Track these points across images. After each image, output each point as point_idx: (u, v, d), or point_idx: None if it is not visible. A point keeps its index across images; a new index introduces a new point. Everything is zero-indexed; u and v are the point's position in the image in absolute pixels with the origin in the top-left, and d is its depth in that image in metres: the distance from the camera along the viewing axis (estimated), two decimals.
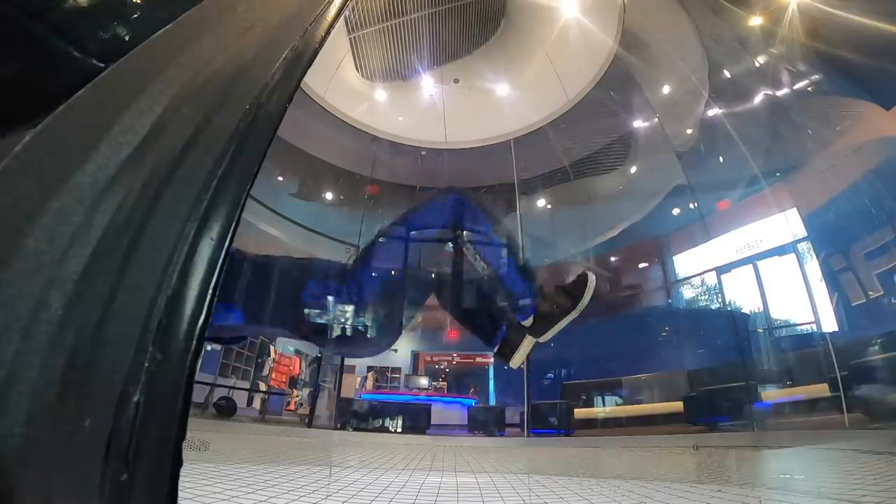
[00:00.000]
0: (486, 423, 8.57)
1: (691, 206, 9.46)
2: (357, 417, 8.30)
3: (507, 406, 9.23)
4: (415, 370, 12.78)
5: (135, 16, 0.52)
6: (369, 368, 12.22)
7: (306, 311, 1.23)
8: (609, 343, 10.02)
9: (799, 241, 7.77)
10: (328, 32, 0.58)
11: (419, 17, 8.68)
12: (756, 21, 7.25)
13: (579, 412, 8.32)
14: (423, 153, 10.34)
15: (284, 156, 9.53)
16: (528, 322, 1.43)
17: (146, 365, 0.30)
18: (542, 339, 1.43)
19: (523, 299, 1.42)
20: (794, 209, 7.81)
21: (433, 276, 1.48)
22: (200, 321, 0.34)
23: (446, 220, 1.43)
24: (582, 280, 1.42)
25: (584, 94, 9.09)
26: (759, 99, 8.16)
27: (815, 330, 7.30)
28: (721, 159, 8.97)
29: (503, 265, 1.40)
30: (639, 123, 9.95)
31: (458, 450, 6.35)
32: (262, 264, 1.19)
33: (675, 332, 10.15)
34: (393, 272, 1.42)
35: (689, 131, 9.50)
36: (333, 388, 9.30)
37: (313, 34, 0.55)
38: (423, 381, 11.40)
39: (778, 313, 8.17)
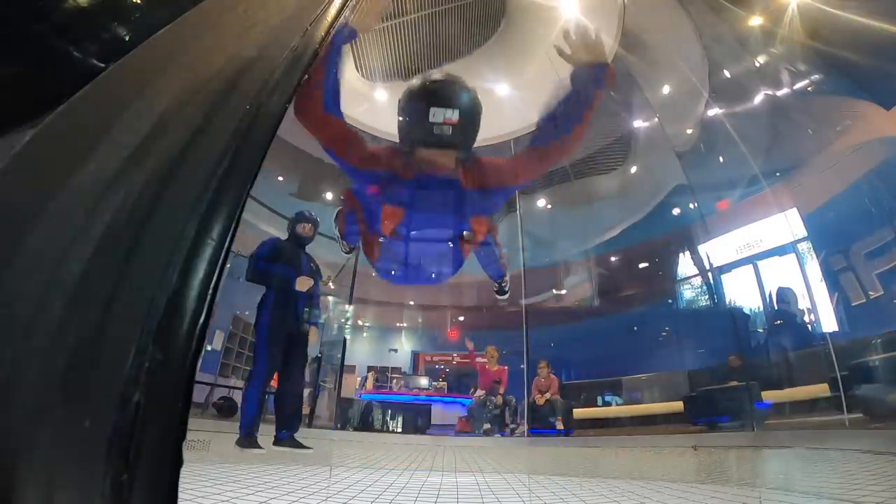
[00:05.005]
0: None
1: (691, 206, 9.45)
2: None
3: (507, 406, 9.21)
4: (415, 370, 12.76)
5: (135, 16, 0.52)
6: (369, 368, 12.20)
7: None
8: (609, 343, 10.02)
9: (799, 241, 7.75)
10: (328, 32, 0.58)
11: (419, 17, 8.68)
12: (756, 21, 7.25)
13: (579, 412, 8.30)
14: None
15: (284, 156, 9.52)
16: None
17: (146, 365, 0.30)
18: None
19: None
20: (794, 209, 7.79)
21: None
22: (200, 321, 0.34)
23: None
24: None
25: None
26: (759, 99, 8.15)
27: (815, 330, 7.29)
28: (721, 159, 8.95)
29: None
30: (639, 123, 9.94)
31: (458, 450, 6.35)
32: None
33: (675, 332, 10.14)
34: None
35: (689, 131, 9.49)
36: (333, 389, 9.30)
37: (313, 34, 0.55)
38: (423, 381, 11.38)
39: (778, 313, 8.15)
